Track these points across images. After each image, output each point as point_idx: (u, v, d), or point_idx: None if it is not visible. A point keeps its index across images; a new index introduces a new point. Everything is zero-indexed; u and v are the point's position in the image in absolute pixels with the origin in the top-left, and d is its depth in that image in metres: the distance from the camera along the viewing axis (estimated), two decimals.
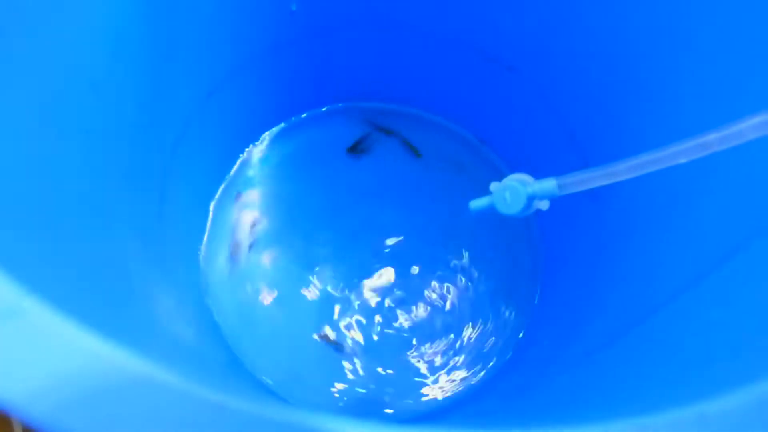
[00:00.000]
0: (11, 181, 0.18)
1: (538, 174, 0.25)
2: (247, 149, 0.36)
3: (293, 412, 0.11)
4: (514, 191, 0.23)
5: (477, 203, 0.24)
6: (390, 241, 0.35)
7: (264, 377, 0.33)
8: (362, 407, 0.32)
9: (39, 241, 0.18)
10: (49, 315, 0.12)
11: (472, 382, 0.33)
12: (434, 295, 0.34)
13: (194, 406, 0.12)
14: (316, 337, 0.33)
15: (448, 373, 0.33)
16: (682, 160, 0.21)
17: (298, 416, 0.11)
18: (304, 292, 0.34)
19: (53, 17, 0.22)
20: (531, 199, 0.23)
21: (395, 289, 0.34)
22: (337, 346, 0.33)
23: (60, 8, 0.22)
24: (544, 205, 0.23)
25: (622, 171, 0.21)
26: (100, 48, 0.25)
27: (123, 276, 0.25)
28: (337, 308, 0.34)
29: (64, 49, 0.23)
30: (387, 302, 0.34)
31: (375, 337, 0.34)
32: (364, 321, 0.34)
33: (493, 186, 0.24)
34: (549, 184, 0.22)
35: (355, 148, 0.37)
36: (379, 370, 0.33)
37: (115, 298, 0.23)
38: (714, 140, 0.20)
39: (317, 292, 0.34)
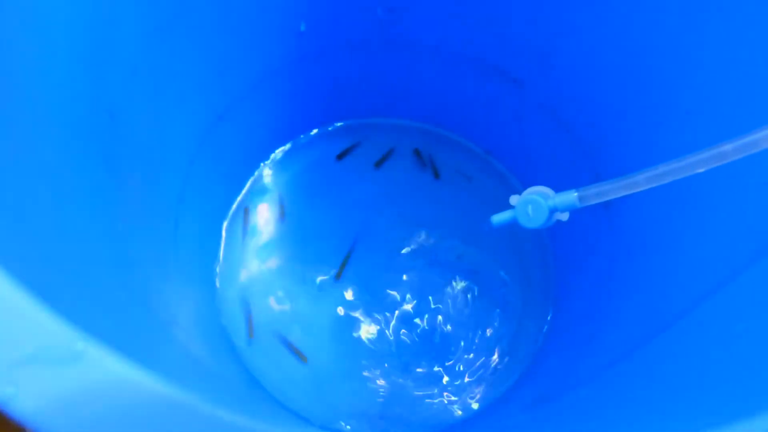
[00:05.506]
0: (45, 224, 0.18)
1: (547, 183, 0.25)
2: (258, 169, 0.36)
3: None
4: (536, 205, 0.23)
5: (499, 217, 0.24)
6: (403, 256, 0.36)
7: (285, 398, 0.33)
8: (381, 422, 0.33)
9: (73, 275, 0.18)
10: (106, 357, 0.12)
11: (489, 396, 0.33)
12: (448, 310, 0.35)
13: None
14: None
15: (464, 387, 0.33)
16: (700, 170, 0.21)
17: None
18: (319, 307, 0.34)
19: (71, 55, 0.22)
20: (552, 211, 0.23)
21: (409, 305, 0.34)
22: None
23: (77, 43, 0.22)
24: (564, 216, 0.24)
25: (641, 182, 0.22)
26: (116, 78, 0.25)
27: (143, 301, 0.25)
28: (351, 323, 0.34)
29: (82, 81, 0.23)
30: (401, 318, 0.34)
31: (392, 350, 0.34)
32: (377, 335, 0.34)
33: (514, 200, 0.24)
34: (570, 197, 0.23)
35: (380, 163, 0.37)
36: (397, 384, 0.33)
37: (137, 323, 0.23)
38: (730, 150, 0.20)
39: (332, 308, 0.34)
